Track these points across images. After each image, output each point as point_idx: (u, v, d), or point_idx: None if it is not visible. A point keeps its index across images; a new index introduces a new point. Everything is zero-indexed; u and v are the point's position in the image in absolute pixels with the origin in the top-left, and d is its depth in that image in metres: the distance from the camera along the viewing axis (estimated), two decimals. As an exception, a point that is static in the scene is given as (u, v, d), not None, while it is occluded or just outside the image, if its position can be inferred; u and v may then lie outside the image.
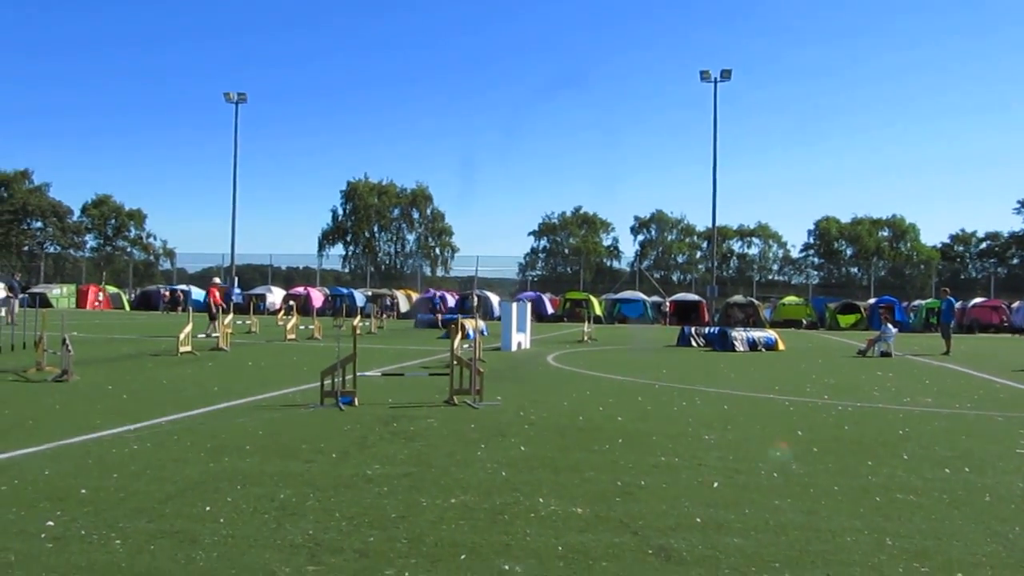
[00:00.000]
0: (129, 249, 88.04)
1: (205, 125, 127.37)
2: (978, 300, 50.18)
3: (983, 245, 79.90)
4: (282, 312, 40.92)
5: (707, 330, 26.93)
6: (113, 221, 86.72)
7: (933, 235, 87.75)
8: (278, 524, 5.09)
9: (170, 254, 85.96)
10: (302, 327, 27.64)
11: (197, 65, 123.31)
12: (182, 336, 18.07)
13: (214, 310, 25.61)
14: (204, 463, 6.83)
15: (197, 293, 58.34)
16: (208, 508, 5.42)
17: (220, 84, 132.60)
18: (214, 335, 24.32)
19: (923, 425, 9.86)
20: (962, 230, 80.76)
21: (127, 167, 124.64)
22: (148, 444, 7.57)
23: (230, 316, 23.04)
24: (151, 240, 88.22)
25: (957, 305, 28.78)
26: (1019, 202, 76.82)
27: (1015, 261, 76.29)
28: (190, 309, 24.92)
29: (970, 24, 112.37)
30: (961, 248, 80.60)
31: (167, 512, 5.31)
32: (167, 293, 58.91)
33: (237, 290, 54.91)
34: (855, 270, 79.45)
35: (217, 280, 28.95)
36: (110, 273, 77.96)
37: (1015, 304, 48.52)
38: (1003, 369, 18.64)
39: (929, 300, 48.58)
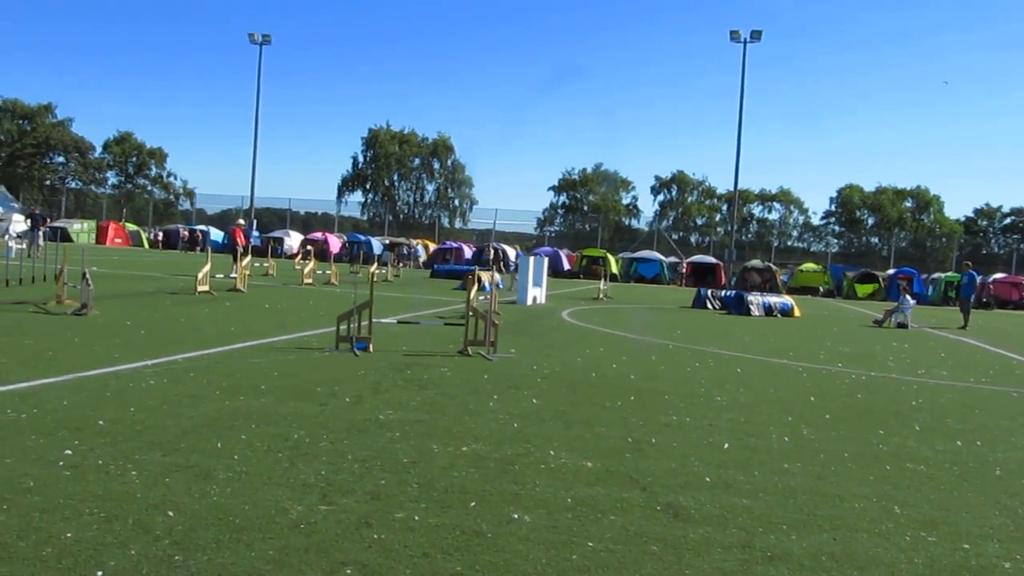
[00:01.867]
0: (150, 188, 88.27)
1: (229, 66, 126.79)
2: (999, 276, 49.72)
3: (1007, 220, 78.90)
4: (300, 256, 41.09)
5: (723, 293, 26.85)
6: (135, 159, 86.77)
7: (957, 208, 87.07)
8: (291, 463, 5.16)
9: (190, 194, 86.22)
10: (319, 272, 27.75)
11: (222, 4, 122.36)
12: (200, 275, 18.18)
13: (240, 250, 25.80)
14: (219, 401, 6.90)
15: (216, 234, 58.67)
16: (222, 445, 5.49)
17: (245, 24, 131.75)
18: (232, 276, 24.59)
19: (936, 397, 9.83)
20: (987, 204, 79.75)
21: (150, 105, 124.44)
22: (165, 380, 7.66)
23: (248, 258, 23.13)
24: (172, 179, 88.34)
25: (978, 280, 28.49)
26: (1047, 177, 75.76)
27: (1039, 238, 75.43)
28: (209, 249, 25.07)
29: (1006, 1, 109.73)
30: (985, 223, 79.62)
31: (182, 447, 5.38)
32: (186, 233, 59.19)
33: (256, 233, 55.14)
34: (875, 240, 78.82)
35: (242, 221, 29.08)
36: (130, 210, 78.36)
37: (1037, 281, 48.04)
38: (1021, 345, 18.52)
39: (949, 273, 48.14)
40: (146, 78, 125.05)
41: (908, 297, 23.84)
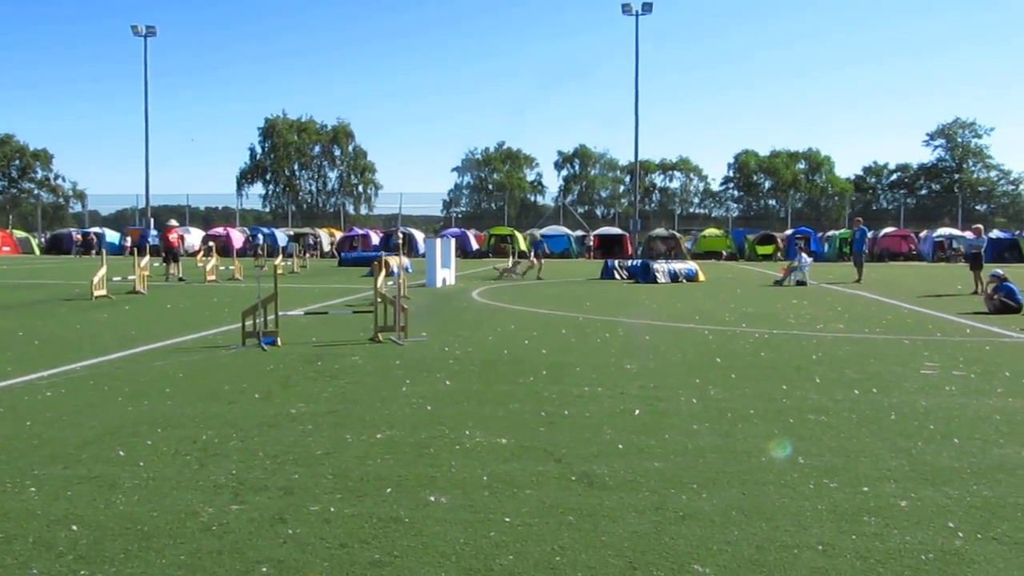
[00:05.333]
0: (36, 191, 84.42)
1: (113, 61, 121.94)
2: (889, 230, 51.94)
3: (894, 177, 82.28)
4: (201, 253, 39.97)
5: (630, 263, 27.33)
6: (17, 162, 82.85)
7: (847, 167, 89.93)
8: (200, 465, 5.04)
9: (81, 196, 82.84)
10: (222, 268, 27.06)
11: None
12: (96, 280, 17.54)
13: (177, 252, 25.62)
14: (122, 408, 6.69)
15: (111, 236, 56.67)
16: (127, 452, 5.33)
17: (127, 17, 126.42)
18: (180, 277, 24.02)
19: (835, 350, 10.23)
20: (874, 162, 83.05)
21: (31, 105, 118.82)
22: (62, 391, 7.38)
23: (147, 258, 22.43)
24: (59, 182, 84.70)
25: (869, 235, 29.73)
26: (928, 134, 79.29)
27: (923, 192, 78.91)
28: (104, 252, 24.18)
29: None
30: (873, 180, 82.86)
31: (84, 458, 5.20)
32: (79, 236, 56.90)
33: (153, 231, 53.43)
34: (773, 202, 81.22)
35: (173, 222, 28.14)
36: (17, 216, 74.83)
37: (923, 233, 50.41)
38: (910, 295, 19.41)
39: (842, 231, 49.99)
40: (24, 76, 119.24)
41: (805, 256, 24.70)
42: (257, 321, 10.30)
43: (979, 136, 77.41)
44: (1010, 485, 4.76)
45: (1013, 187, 75.95)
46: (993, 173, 77.38)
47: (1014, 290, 15.25)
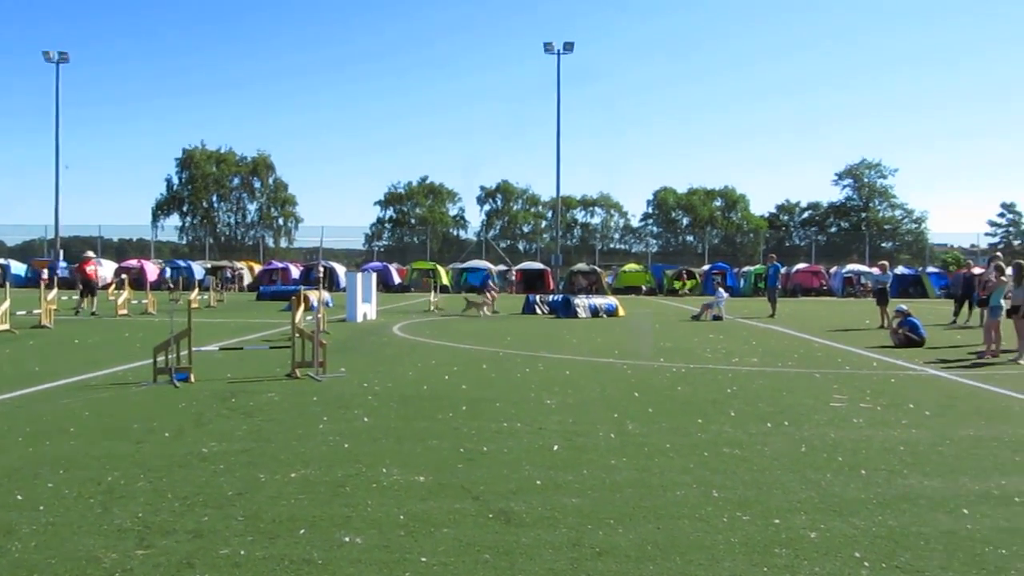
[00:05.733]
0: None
1: (21, 88, 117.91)
2: (801, 266, 53.53)
3: (805, 215, 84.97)
4: (113, 286, 38.79)
5: (551, 298, 27.49)
6: (-84, 191, 79.38)
7: (761, 205, 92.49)
8: (104, 508, 4.86)
9: (-15, 226, 79.68)
10: (135, 302, 26.29)
11: (11, 19, 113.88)
12: (-1, 314, 16.82)
13: (94, 285, 24.79)
14: (22, 448, 6.42)
15: (17, 267, 54.62)
16: (25, 496, 5.11)
17: (38, 44, 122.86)
18: (93, 312, 23.18)
19: (749, 383, 10.46)
20: (787, 200, 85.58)
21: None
22: (-42, 430, 7.04)
23: (54, 291, 21.63)
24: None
25: (782, 271, 30.61)
26: (836, 174, 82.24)
27: (833, 229, 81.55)
28: (7, 285, 23.25)
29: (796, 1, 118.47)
30: (786, 217, 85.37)
31: (-21, 502, 4.96)
32: (-19, 268, 54.61)
33: (63, 263, 51.67)
34: (691, 238, 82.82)
35: (90, 253, 27.15)
36: (-87, 247, 71.49)
37: (833, 269, 52.15)
38: (821, 330, 20.00)
39: (757, 266, 51.32)
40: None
41: (722, 291, 25.29)
42: (170, 357, 10.03)
43: (884, 176, 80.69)
44: (913, 515, 4.92)
45: (916, 225, 79.19)
46: (898, 212, 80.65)
47: (917, 324, 15.87)
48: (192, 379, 9.96)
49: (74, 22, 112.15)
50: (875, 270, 30.38)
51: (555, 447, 6.63)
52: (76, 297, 25.68)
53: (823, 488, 5.49)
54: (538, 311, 26.08)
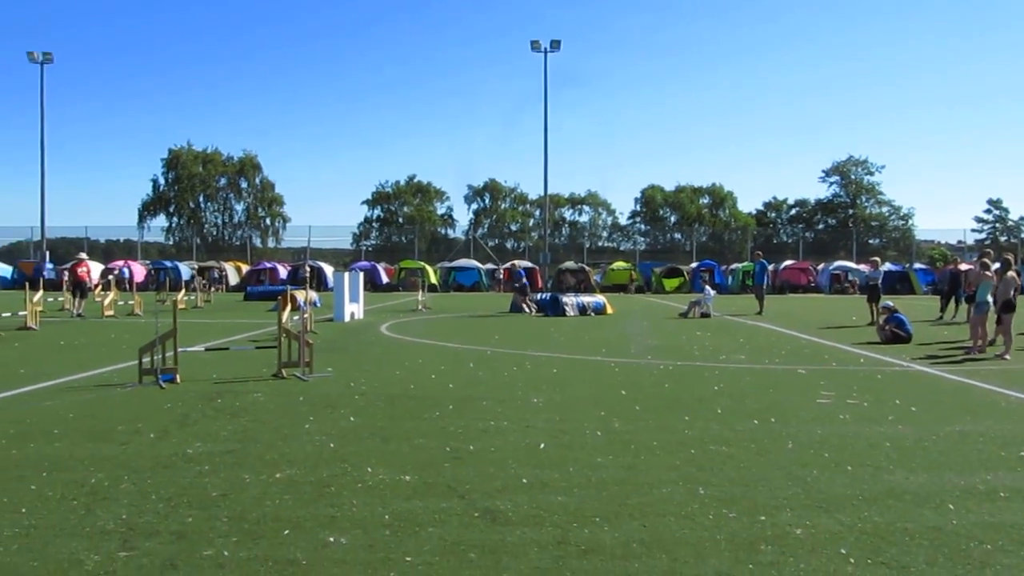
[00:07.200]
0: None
1: (7, 88, 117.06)
2: (788, 263, 53.71)
3: (793, 211, 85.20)
4: (99, 287, 38.60)
5: (539, 296, 27.48)
6: (-100, 192, 78.76)
7: (748, 202, 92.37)
8: (87, 510, 4.82)
9: (-30, 227, 79.00)
10: (121, 303, 26.14)
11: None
12: (-17, 316, 16.71)
13: (87, 286, 24.84)
14: (5, 450, 6.37)
15: (3, 268, 54.31)
16: (8, 498, 5.06)
17: (23, 43, 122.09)
18: (79, 313, 23.02)
19: (736, 380, 10.48)
20: (774, 197, 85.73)
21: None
22: (-60, 433, 6.98)
23: (40, 293, 21.50)
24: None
25: (770, 268, 30.70)
26: (823, 171, 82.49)
27: (820, 226, 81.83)
28: (-8, 286, 23.14)
29: None
30: (773, 214, 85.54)
31: (-40, 505, 4.92)
32: (-33, 270, 54.19)
33: (49, 265, 51.37)
34: (679, 236, 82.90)
35: (83, 255, 26.85)
36: (-103, 249, 70.95)
37: (820, 266, 52.35)
38: (808, 326, 20.06)
39: (745, 263, 51.42)
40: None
41: (709, 288, 25.35)
42: (155, 358, 9.97)
43: (871, 173, 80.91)
44: (899, 511, 4.93)
45: (903, 222, 79.52)
46: (885, 209, 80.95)
47: (904, 321, 15.94)
48: (178, 380, 9.90)
49: (58, 21, 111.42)
50: (865, 267, 30.51)
51: (542, 445, 6.62)
52: (68, 297, 25.48)
53: (809, 484, 5.50)
54: (526, 309, 26.05)
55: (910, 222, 79.02)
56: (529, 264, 54.85)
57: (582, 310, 24.65)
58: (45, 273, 44.09)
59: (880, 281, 22.26)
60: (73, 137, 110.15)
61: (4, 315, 18.41)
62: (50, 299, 26.36)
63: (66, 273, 30.93)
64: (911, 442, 6.85)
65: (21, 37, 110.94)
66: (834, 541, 4.38)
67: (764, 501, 5.11)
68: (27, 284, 23.43)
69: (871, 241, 75.14)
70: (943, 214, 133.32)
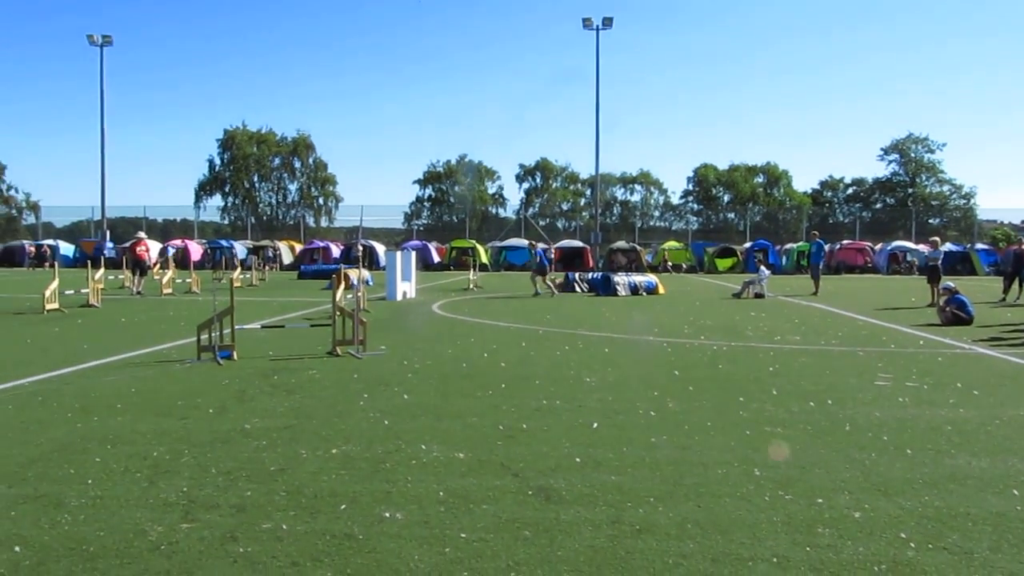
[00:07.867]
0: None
1: (69, 71, 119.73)
2: (845, 242, 52.78)
3: (850, 191, 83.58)
4: (158, 266, 39.43)
5: (591, 275, 27.41)
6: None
7: (804, 181, 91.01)
8: (150, 483, 4.94)
9: (34, 207, 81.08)
10: (179, 281, 26.70)
11: (56, 5, 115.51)
12: (48, 293, 17.20)
13: (145, 265, 25.15)
14: (71, 424, 6.54)
15: (66, 248, 55.75)
16: (75, 470, 5.20)
17: (83, 25, 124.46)
18: (139, 291, 23.48)
19: (791, 362, 10.33)
20: (831, 176, 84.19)
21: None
22: (9, 407, 7.20)
23: (101, 271, 22.04)
24: (12, 193, 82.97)
25: (826, 248, 30.19)
26: (882, 149, 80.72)
27: (878, 206, 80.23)
28: (57, 265, 23.78)
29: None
30: (830, 193, 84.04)
31: (30, 476, 5.07)
32: (33, 248, 55.77)
33: (109, 244, 52.61)
34: (732, 215, 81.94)
35: (142, 234, 27.44)
36: (-33, 228, 73.22)
37: (878, 246, 51.33)
38: (865, 307, 19.70)
39: (800, 243, 50.68)
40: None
41: (764, 268, 25.00)
42: (213, 335, 10.16)
43: (932, 151, 79.06)
44: (960, 495, 4.82)
45: (964, 201, 77.53)
46: (945, 187, 79.00)
47: (965, 302, 15.55)
48: (235, 356, 10.08)
49: (117, 6, 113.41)
50: (924, 247, 29.82)
51: (594, 425, 6.61)
52: (128, 275, 25.98)
53: (867, 467, 5.40)
54: (577, 289, 26.01)
55: (972, 201, 77.07)
56: (580, 244, 54.65)
57: (634, 290, 24.53)
58: (105, 252, 45.28)
59: (940, 261, 21.75)
60: (132, 119, 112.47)
61: (67, 293, 18.91)
62: (110, 277, 26.99)
63: (125, 252, 31.55)
64: (973, 426, 6.69)
65: (81, 20, 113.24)
66: (894, 525, 4.30)
67: (821, 483, 5.03)
68: (88, 263, 24.07)
69: (931, 221, 73.52)
70: (1007, 193, 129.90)
